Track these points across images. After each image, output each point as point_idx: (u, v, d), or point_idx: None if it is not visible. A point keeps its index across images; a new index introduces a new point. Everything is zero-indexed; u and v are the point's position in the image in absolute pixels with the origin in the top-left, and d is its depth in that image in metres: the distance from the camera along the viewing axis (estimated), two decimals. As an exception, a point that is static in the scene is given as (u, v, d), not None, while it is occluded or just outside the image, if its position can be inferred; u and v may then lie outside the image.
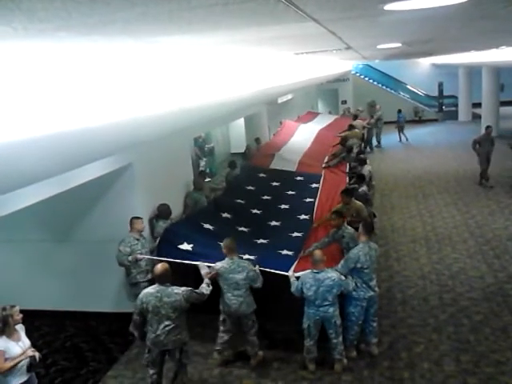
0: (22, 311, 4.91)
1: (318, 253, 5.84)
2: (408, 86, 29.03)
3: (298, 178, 10.67)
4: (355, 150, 12.64)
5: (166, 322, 5.20)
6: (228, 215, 8.30)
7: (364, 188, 9.21)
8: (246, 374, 6.02)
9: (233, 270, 5.88)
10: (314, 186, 10.07)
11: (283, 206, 9.00)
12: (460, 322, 6.83)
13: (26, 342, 4.91)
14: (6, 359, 4.68)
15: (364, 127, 18.19)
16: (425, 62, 28.48)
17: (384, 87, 28.80)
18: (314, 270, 5.73)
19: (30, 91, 3.09)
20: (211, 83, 6.15)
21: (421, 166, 16.81)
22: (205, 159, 15.99)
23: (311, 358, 5.99)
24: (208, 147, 16.67)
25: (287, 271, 6.11)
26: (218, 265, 5.95)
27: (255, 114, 15.05)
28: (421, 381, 5.66)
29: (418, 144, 21.37)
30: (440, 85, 28.11)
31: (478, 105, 23.71)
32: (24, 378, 4.77)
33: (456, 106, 27.55)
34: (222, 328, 6.16)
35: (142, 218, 6.78)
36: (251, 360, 6.21)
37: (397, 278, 8.34)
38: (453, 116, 27.35)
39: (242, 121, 16.52)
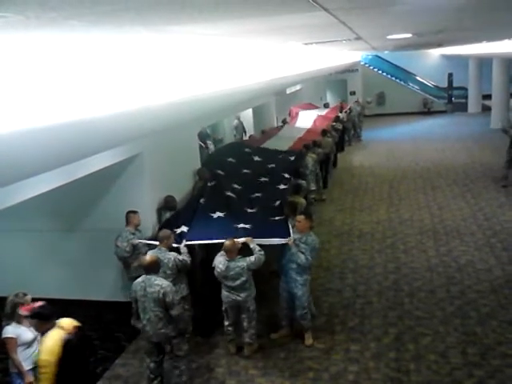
0: (32, 299, 4.95)
1: (228, 243, 5.94)
2: (417, 77, 28.81)
3: (281, 156, 10.42)
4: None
5: (150, 314, 5.21)
6: (214, 182, 8.13)
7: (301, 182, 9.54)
8: (252, 364, 6.06)
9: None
10: (293, 158, 10.08)
11: (263, 179, 8.82)
12: (467, 314, 6.83)
13: None
14: (18, 346, 4.75)
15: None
16: (434, 53, 28.22)
17: (393, 78, 28.63)
18: (227, 258, 5.93)
19: (39, 82, 3.09)
20: (221, 73, 6.14)
21: (429, 158, 16.71)
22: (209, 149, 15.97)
23: (230, 339, 6.27)
24: (218, 139, 16.65)
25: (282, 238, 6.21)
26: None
27: (264, 104, 15.01)
28: (427, 372, 5.67)
29: (427, 136, 21.23)
30: (449, 76, 27.79)
31: (488, 96, 23.49)
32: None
33: (465, 97, 27.21)
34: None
35: (138, 212, 6.72)
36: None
37: (404, 270, 8.33)
38: (462, 108, 27.08)
39: (249, 111, 16.47)
